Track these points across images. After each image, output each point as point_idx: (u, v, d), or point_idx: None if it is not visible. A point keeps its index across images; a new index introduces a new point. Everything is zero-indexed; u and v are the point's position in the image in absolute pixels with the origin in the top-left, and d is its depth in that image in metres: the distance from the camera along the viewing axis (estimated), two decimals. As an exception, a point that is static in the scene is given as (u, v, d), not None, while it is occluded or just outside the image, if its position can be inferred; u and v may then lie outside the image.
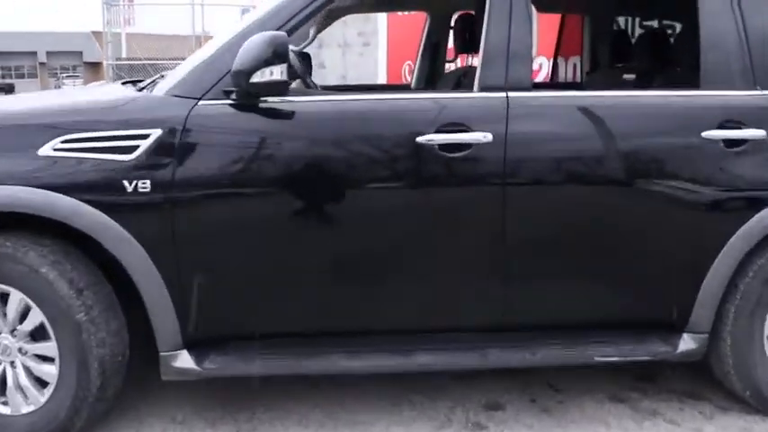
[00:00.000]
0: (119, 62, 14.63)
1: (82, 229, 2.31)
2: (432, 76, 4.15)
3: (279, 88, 2.31)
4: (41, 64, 43.90)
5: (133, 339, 2.52)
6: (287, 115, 2.41)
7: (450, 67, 4.27)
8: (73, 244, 2.38)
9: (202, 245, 2.40)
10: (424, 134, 2.41)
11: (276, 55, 2.24)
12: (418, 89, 4.14)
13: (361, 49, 15.27)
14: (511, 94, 2.51)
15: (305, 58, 4.23)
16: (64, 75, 39.05)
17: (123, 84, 2.78)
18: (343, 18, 3.96)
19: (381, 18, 9.25)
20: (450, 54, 4.19)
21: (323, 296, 2.54)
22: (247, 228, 2.42)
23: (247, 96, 2.35)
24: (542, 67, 6.96)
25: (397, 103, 2.54)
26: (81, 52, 43.46)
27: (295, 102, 2.43)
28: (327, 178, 2.42)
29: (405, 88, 4.20)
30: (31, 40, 42.53)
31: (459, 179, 2.46)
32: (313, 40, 3.82)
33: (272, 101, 2.40)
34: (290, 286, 2.50)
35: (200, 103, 2.39)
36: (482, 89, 2.53)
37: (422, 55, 4.20)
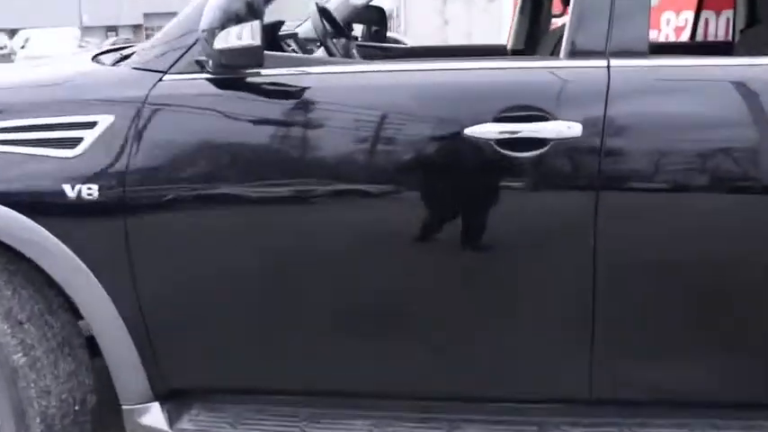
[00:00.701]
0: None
1: (12, 246, 1.76)
2: (532, 37, 3.29)
3: (250, 55, 1.61)
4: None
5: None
6: (278, 93, 1.73)
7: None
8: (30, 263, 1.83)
9: (168, 267, 1.79)
10: (476, 123, 1.65)
11: (249, 8, 1.54)
12: (515, 53, 3.31)
13: (486, 4, 14.34)
14: (615, 61, 1.69)
15: (377, 13, 3.53)
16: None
17: (101, 54, 2.17)
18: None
19: (507, -31, 8.31)
20: (556, 7, 3.33)
21: (340, 344, 1.85)
22: (227, 245, 1.77)
23: (224, 67, 1.67)
24: (687, 25, 5.93)
25: (439, 77, 1.77)
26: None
27: (293, 75, 1.74)
28: (330, 182, 1.72)
29: (497, 52, 3.35)
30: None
31: (529, 192, 1.69)
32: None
33: (267, 73, 1.72)
34: (294, 325, 1.84)
35: (166, 77, 1.75)
36: (571, 55, 1.73)
37: (521, 9, 3.34)
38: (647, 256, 1.71)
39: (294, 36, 2.65)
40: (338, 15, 3.12)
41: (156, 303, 1.80)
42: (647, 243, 1.70)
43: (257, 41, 1.57)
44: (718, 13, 4.60)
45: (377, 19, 3.51)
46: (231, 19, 1.56)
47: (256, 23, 1.55)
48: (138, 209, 1.73)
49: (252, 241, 1.77)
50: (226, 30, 1.55)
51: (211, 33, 1.58)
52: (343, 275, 1.77)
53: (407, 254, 1.75)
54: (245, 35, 1.55)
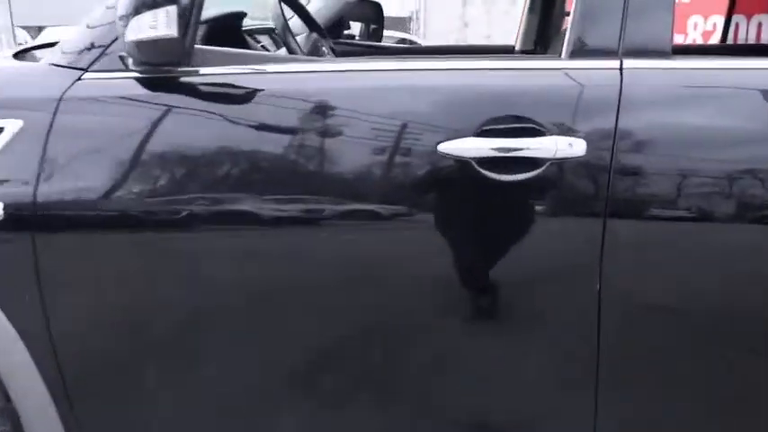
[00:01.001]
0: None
1: None
2: (542, 37, 2.97)
3: (169, 49, 1.31)
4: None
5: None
6: (215, 96, 1.43)
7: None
8: None
9: (85, 302, 1.49)
10: (451, 138, 1.34)
11: None
12: (525, 53, 2.99)
13: (508, 6, 14.00)
14: (629, 62, 1.38)
15: (372, 9, 3.24)
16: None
17: (36, 48, 1.89)
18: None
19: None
20: (570, 5, 3.00)
21: (284, 399, 1.55)
22: (152, 276, 1.47)
23: (144, 64, 1.38)
24: (717, 29, 5.61)
25: (407, 80, 1.46)
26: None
27: (237, 74, 1.44)
28: (272, 203, 1.41)
29: (504, 53, 3.02)
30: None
31: (517, 224, 1.38)
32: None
33: (206, 72, 1.43)
34: (235, 379, 1.53)
35: (86, 76, 1.45)
36: (575, 54, 1.42)
37: (530, 6, 3.02)
38: (665, 302, 1.39)
39: (270, 31, 2.35)
40: (329, 11, 2.84)
41: (72, 344, 1.50)
42: (664, 287, 1.39)
43: (173, 32, 1.27)
44: (749, 17, 4.27)
45: (373, 16, 3.21)
46: (146, 4, 1.26)
47: (172, 9, 1.24)
48: (49, 231, 1.44)
49: (184, 270, 1.47)
50: (137, 16, 1.25)
51: (126, 21, 1.29)
52: (280, 317, 1.47)
53: (361, 293, 1.44)
54: (161, 23, 1.25)
